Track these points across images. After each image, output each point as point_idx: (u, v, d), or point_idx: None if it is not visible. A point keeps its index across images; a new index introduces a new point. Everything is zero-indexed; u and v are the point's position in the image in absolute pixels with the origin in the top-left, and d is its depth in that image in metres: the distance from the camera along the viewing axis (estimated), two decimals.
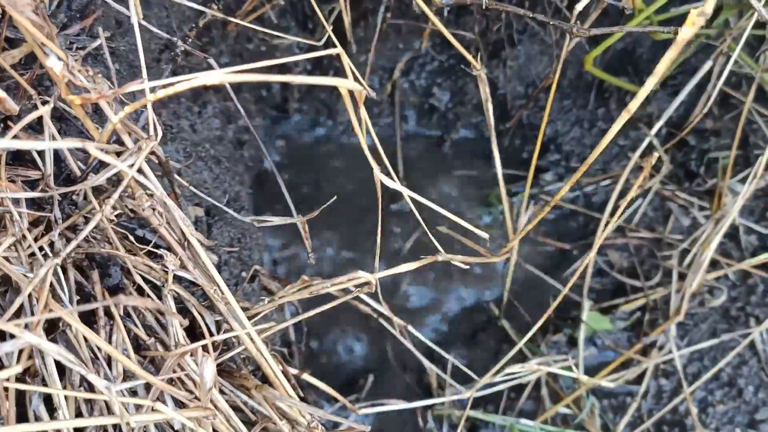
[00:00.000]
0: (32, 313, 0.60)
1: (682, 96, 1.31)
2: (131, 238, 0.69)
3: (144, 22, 0.85)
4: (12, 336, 0.53)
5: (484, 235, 0.49)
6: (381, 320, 0.81)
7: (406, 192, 0.57)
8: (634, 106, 0.54)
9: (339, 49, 0.51)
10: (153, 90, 0.60)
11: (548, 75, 1.44)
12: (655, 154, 0.74)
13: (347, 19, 1.25)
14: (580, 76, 1.53)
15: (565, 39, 1.48)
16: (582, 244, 1.49)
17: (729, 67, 1.14)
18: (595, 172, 1.53)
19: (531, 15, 1.26)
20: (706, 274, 1.31)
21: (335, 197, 0.77)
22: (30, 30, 0.66)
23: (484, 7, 0.97)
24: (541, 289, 1.44)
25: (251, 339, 0.65)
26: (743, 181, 1.37)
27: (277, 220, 0.81)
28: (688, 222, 1.41)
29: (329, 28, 1.09)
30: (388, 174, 0.56)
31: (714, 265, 1.35)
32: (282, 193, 0.93)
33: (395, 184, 0.54)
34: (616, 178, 1.47)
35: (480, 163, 1.58)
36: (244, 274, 0.89)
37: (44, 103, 0.70)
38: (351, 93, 0.54)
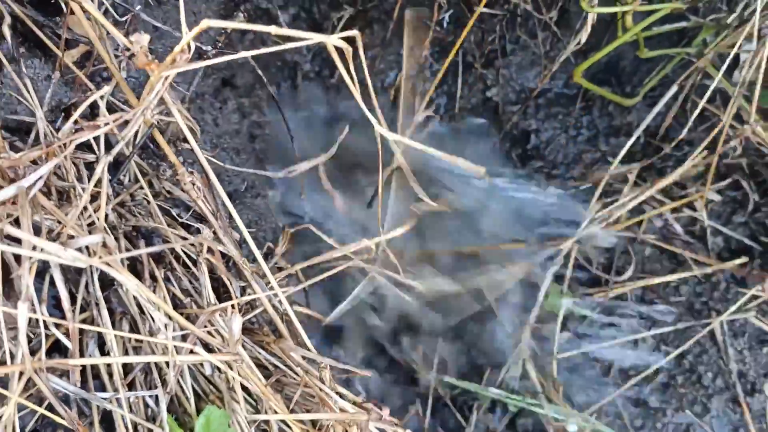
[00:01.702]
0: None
1: (658, 107, 1.44)
2: (171, 214, 0.81)
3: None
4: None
5: (482, 170, 0.57)
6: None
7: (398, 138, 0.65)
8: None
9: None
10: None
11: (539, 84, 1.58)
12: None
13: None
14: (567, 86, 1.66)
15: (555, 51, 1.61)
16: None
17: (689, 79, 1.27)
18: (577, 176, 1.66)
19: None
20: (673, 272, 1.45)
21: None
22: (97, 18, 0.78)
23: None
24: None
25: (273, 297, 0.77)
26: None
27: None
28: (661, 223, 1.54)
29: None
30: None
31: (682, 263, 1.49)
32: None
33: (392, 135, 0.63)
34: (597, 181, 1.60)
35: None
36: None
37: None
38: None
